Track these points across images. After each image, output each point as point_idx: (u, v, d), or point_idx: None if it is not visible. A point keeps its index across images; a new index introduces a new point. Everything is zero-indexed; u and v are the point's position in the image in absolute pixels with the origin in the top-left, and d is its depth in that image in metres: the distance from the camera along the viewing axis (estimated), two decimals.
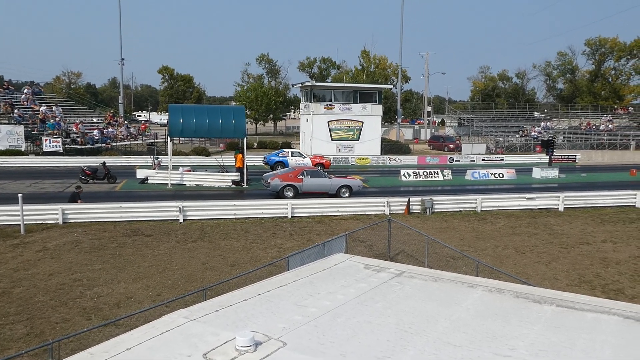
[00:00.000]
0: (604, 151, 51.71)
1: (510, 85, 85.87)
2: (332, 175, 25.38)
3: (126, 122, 48.80)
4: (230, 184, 27.46)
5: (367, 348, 2.73)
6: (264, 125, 79.97)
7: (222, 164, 30.58)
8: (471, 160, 44.31)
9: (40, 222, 17.90)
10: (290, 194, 23.38)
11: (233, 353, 2.58)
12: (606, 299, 3.93)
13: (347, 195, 23.85)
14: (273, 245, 16.16)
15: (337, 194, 23.81)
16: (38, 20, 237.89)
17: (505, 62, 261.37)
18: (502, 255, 15.74)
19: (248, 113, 66.76)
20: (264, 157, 35.74)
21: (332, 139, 43.67)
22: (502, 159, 45.49)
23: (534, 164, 39.06)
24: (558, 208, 22.76)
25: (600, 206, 23.38)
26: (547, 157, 38.73)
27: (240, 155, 28.12)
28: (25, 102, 42.48)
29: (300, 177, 23.77)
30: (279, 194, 23.32)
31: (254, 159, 37.45)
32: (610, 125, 59.47)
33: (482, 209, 22.14)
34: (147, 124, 58.91)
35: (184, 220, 18.98)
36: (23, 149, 37.32)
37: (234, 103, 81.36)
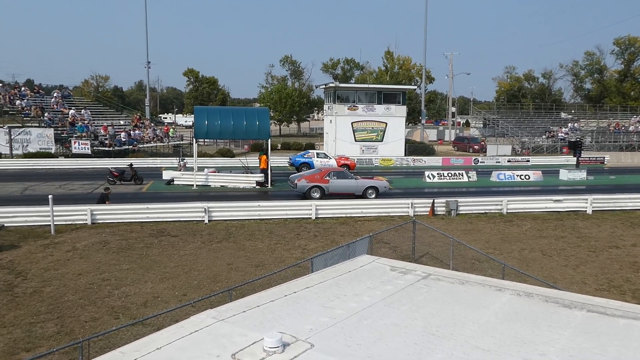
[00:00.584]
0: (634, 153, 50.46)
1: (536, 85, 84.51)
2: (358, 177, 25.33)
3: (152, 125, 49.50)
4: (254, 185, 27.64)
5: (394, 351, 2.73)
6: (288, 126, 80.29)
7: (246, 165, 30.81)
8: (496, 162, 43.73)
9: (70, 222, 18.29)
10: (316, 195, 23.42)
11: (261, 354, 2.61)
12: (638, 304, 3.84)
13: (373, 196, 23.78)
14: (297, 246, 16.22)
15: (363, 195, 23.76)
16: (67, 25, 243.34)
17: (531, 62, 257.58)
18: (529, 259, 15.49)
19: (272, 114, 67.10)
20: (290, 158, 35.82)
21: (355, 140, 43.59)
22: (528, 161, 44.79)
23: (561, 166, 38.36)
24: (586, 211, 22.31)
25: (630, 209, 22.84)
26: (575, 158, 38.06)
27: (264, 157, 28.30)
28: (55, 106, 43.45)
29: (327, 178, 23.80)
30: (305, 195, 23.37)
31: (278, 160, 37.63)
32: None
33: (508, 211, 21.83)
34: (173, 126, 59.67)
35: (209, 221, 19.17)
36: (53, 151, 38.19)
37: (258, 105, 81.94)
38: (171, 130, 50.93)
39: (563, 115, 65.36)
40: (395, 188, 28.50)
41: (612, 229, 19.43)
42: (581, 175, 33.53)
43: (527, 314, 3.35)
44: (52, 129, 39.11)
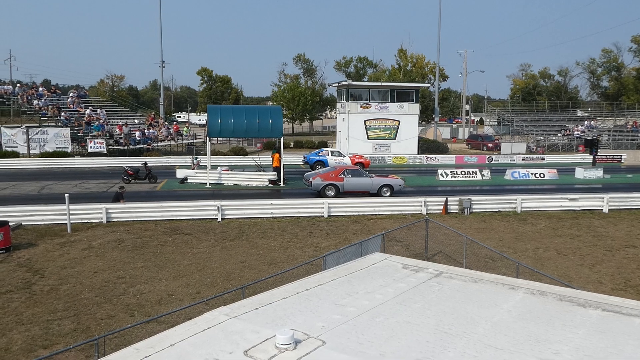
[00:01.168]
0: None
1: (552, 83, 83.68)
2: (373, 175, 25.26)
3: (166, 123, 49.86)
4: (267, 183, 27.73)
5: (406, 349, 2.73)
6: (301, 124, 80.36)
7: (259, 163, 30.90)
8: (511, 160, 43.34)
9: (86, 221, 18.51)
10: (331, 193, 23.40)
11: (273, 351, 2.62)
12: None
13: (388, 194, 23.70)
14: (310, 244, 16.24)
15: (378, 193, 23.69)
16: (83, 26, 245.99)
17: (546, 60, 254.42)
18: (543, 257, 15.35)
19: (285, 113, 67.23)
20: (304, 157, 35.82)
21: (368, 138, 43.51)
22: (543, 159, 44.32)
23: (577, 164, 37.90)
24: (602, 209, 22.03)
25: None
26: (591, 157, 37.59)
27: (277, 155, 28.36)
28: (71, 105, 43.97)
29: (342, 176, 23.76)
30: (320, 193, 23.37)
31: (291, 159, 37.70)
32: None
33: (522, 209, 21.65)
34: (187, 125, 60.03)
35: (222, 219, 19.27)
36: (69, 150, 38.64)
37: (271, 103, 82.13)
38: (185, 128, 51.29)
39: (579, 113, 64.58)
40: (408, 186, 28.37)
41: (629, 228, 19.18)
42: (597, 173, 33.11)
43: (541, 312, 3.32)
44: (69, 128, 39.57)
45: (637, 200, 22.90)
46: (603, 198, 22.30)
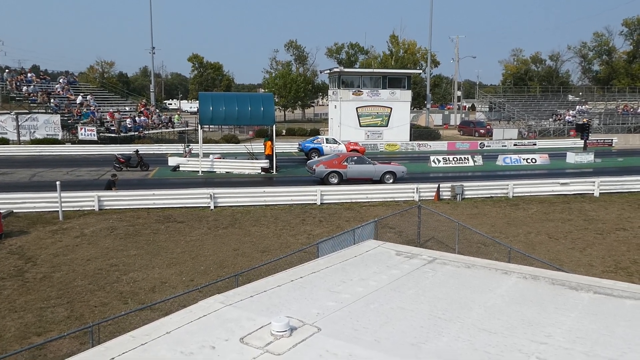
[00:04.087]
0: None
1: (543, 68, 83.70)
2: (376, 162, 25.26)
3: (157, 110, 49.46)
4: (259, 171, 27.68)
5: (401, 334, 2.75)
6: (292, 112, 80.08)
7: (251, 151, 30.82)
8: (502, 146, 43.51)
9: (78, 208, 18.42)
10: (335, 180, 23.38)
11: (269, 338, 2.63)
12: None
13: (391, 181, 23.73)
14: (303, 232, 16.27)
15: (381, 180, 23.72)
16: (72, 11, 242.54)
17: (538, 44, 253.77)
18: (535, 242, 15.49)
19: (276, 100, 66.90)
20: (299, 144, 35.68)
21: (360, 125, 43.46)
22: (535, 144, 44.52)
23: (568, 149, 38.13)
24: (593, 193, 22.22)
25: (637, 191, 22.73)
26: (582, 141, 37.81)
27: (269, 143, 28.29)
28: (61, 92, 43.47)
29: (345, 163, 23.73)
30: (323, 181, 23.33)
31: (283, 146, 37.61)
32: None
33: (514, 194, 21.78)
34: (178, 112, 59.61)
35: (214, 207, 19.25)
36: (60, 137, 38.30)
37: (263, 90, 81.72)
38: (176, 116, 50.95)
39: (570, 97, 64.80)
40: None
41: (620, 211, 19.37)
42: (588, 157, 33.34)
43: (533, 296, 3.36)
44: (59, 115, 39.17)
45: (627, 183, 23.13)
46: (594, 182, 22.48)
